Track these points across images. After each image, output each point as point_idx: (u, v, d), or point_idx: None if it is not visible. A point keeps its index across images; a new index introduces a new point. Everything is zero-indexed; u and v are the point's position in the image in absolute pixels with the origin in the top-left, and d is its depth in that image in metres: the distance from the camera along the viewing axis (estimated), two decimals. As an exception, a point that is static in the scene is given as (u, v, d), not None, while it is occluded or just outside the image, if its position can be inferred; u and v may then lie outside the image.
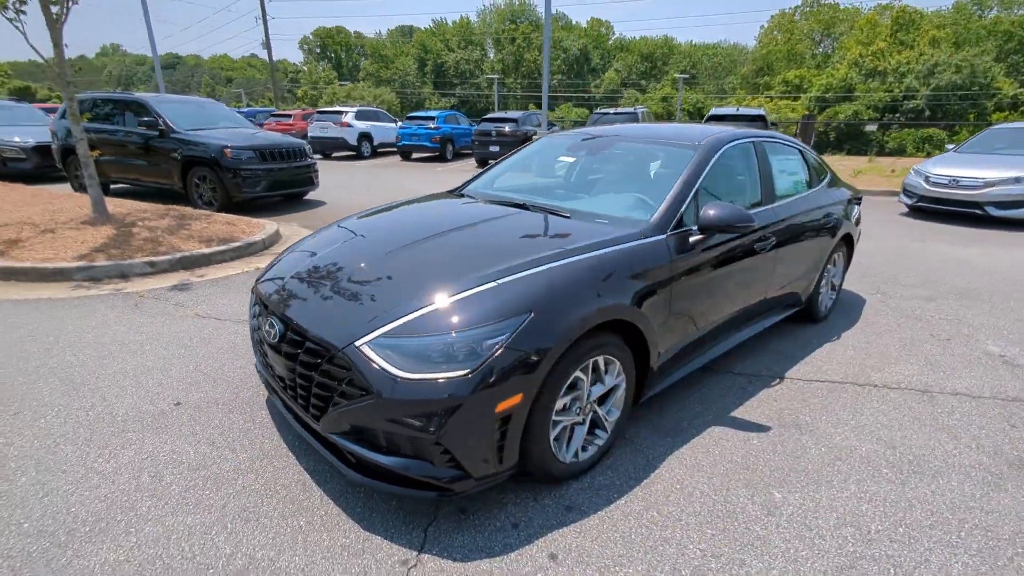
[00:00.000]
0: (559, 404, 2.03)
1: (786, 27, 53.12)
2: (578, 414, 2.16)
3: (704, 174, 2.70)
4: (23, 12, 5.31)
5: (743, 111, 11.93)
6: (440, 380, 1.73)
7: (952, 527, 2.02)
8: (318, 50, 73.25)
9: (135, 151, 8.12)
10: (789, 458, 2.42)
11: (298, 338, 2.00)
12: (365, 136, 16.65)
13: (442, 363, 1.76)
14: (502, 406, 1.79)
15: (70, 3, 5.31)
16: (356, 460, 1.90)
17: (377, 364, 1.77)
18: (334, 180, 11.61)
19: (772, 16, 55.02)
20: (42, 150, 9.81)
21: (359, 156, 16.94)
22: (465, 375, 1.74)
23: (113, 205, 6.58)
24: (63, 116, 8.80)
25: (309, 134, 16.64)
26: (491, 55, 58.61)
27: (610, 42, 61.38)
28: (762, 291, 3.16)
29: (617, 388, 2.30)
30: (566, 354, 1.96)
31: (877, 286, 4.95)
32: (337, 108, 17.48)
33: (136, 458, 2.27)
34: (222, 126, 8.41)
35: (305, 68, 72.04)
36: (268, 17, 31.65)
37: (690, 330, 2.65)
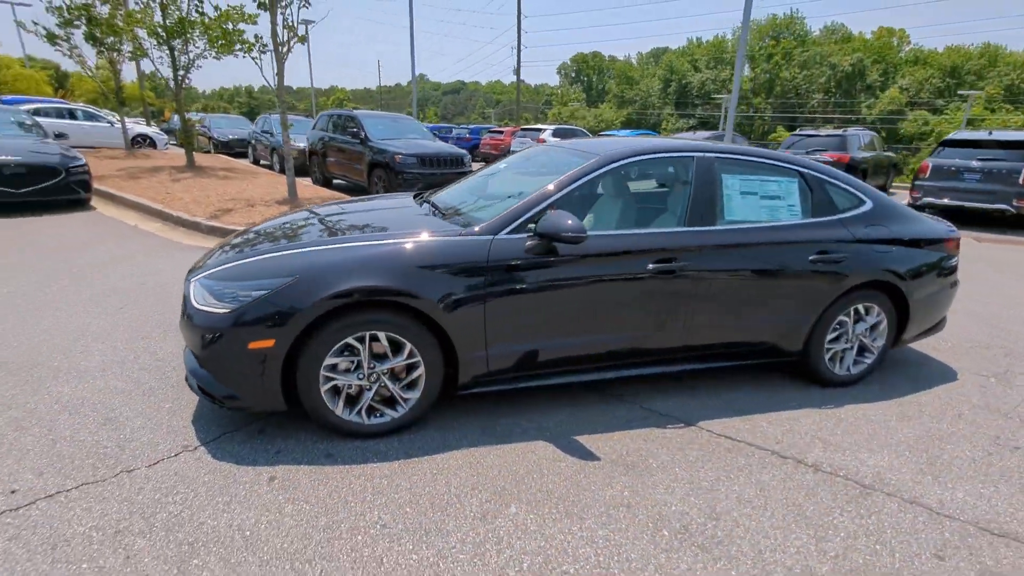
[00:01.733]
0: (333, 362, 2.36)
1: None
2: (361, 379, 2.44)
3: (576, 184, 2.63)
4: (264, 53, 7.58)
5: (996, 135, 9.09)
6: (211, 312, 2.28)
7: (653, 604, 1.70)
8: (573, 74, 79.01)
9: (346, 154, 10.50)
10: (573, 488, 2.24)
11: None
12: (559, 152, 17.73)
13: (220, 301, 2.30)
14: (255, 344, 2.24)
15: (292, 44, 7.37)
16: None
17: (192, 295, 2.41)
18: (506, 189, 12.81)
19: None
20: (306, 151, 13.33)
21: (553, 170, 18.09)
22: (226, 312, 2.25)
23: (308, 191, 8.73)
24: (314, 127, 11.86)
25: (511, 148, 18.49)
26: (746, 73, 54.85)
27: (901, 54, 51.25)
28: (681, 322, 2.81)
29: (414, 368, 2.48)
30: (332, 317, 2.28)
31: (1006, 368, 3.60)
32: (538, 126, 19.00)
33: (138, 346, 3.37)
34: (407, 137, 10.24)
35: (559, 91, 78.56)
36: (523, 47, 36.06)
37: (539, 340, 2.61)
